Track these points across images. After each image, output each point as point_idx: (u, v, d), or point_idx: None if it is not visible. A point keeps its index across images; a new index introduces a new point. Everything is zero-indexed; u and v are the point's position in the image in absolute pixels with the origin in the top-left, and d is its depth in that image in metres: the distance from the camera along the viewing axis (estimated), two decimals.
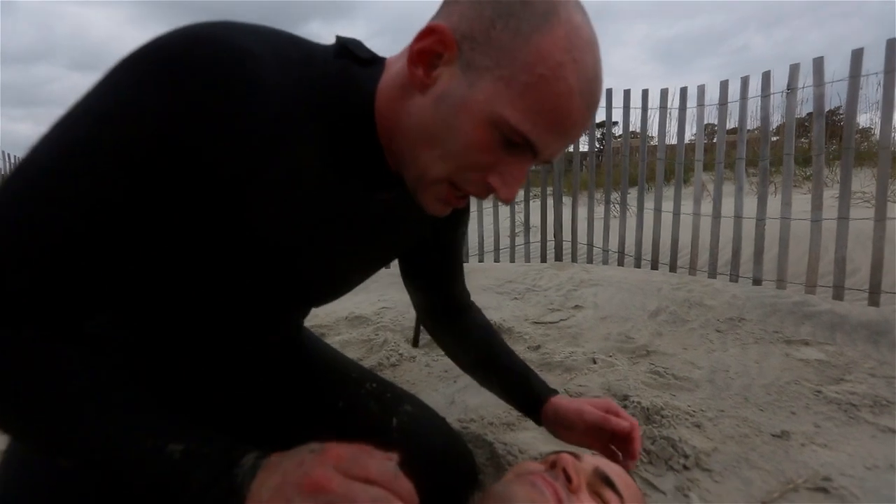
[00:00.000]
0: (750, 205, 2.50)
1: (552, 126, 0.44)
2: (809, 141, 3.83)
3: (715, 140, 2.73)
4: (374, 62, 0.50)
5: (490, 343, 0.83)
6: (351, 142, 0.50)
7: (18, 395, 0.40)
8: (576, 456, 0.61)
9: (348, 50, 0.49)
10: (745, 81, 2.53)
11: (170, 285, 0.51)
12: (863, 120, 6.41)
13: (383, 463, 0.39)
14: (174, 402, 0.52)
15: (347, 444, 0.41)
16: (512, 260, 3.41)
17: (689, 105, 2.77)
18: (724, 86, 2.61)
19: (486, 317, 0.88)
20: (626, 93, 2.95)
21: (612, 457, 0.69)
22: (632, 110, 2.94)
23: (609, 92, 3.01)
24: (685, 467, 0.96)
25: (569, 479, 0.54)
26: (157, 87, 0.40)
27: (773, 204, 2.43)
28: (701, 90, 2.72)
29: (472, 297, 0.89)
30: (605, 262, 3.15)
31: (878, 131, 2.14)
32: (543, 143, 0.45)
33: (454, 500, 0.79)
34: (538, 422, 0.78)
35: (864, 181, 4.30)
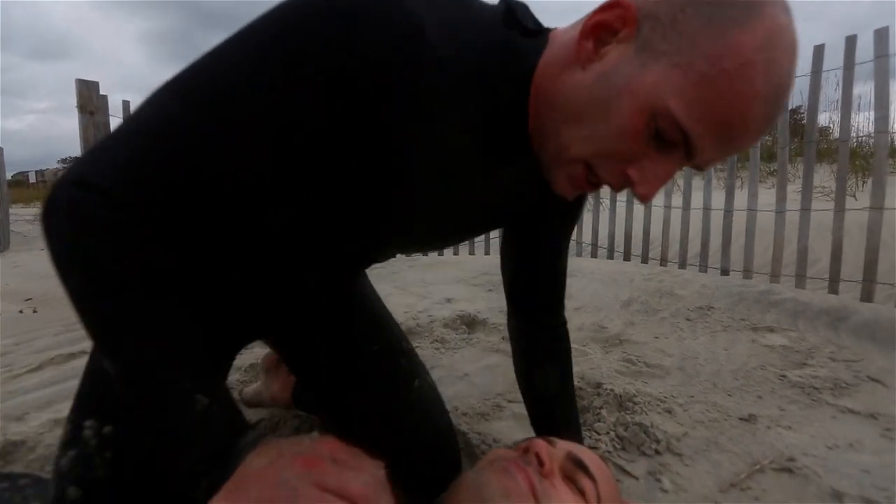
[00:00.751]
0: (718, 199, 2.56)
1: (719, 128, 0.41)
2: (773, 137, 3.94)
3: None
4: (539, 33, 0.48)
5: (561, 388, 0.79)
6: (502, 115, 0.49)
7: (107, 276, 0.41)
8: (549, 441, 0.60)
9: (516, 19, 0.48)
10: None
11: (295, 208, 0.53)
12: (822, 119, 6.64)
13: (375, 464, 0.40)
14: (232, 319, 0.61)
15: (344, 443, 0.42)
16: (487, 252, 3.41)
17: None
18: None
19: (571, 355, 0.82)
20: None
21: None
22: None
23: None
24: (657, 452, 0.97)
25: (541, 464, 0.54)
26: (340, 44, 0.40)
27: (740, 197, 2.49)
28: None
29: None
30: (579, 254, 3.18)
31: (836, 128, 2.22)
32: (702, 146, 0.41)
33: (439, 483, 0.79)
34: None
35: (823, 177, 4.47)
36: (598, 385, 1.20)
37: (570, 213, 0.74)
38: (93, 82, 2.61)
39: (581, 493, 0.55)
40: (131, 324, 0.41)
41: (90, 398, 0.63)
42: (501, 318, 1.79)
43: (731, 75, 0.39)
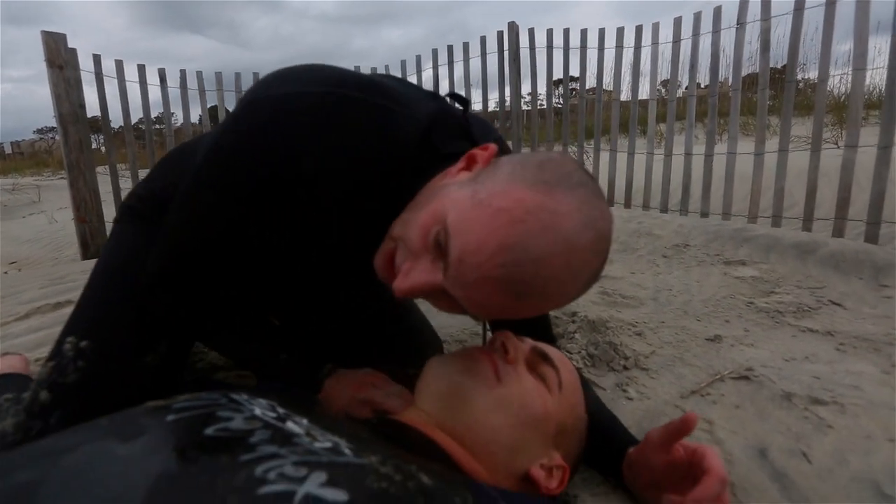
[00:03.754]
0: (700, 148, 2.58)
1: (463, 249, 0.44)
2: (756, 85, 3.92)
3: (667, 95, 2.77)
4: (453, 157, 0.54)
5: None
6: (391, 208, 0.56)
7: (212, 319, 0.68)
8: (518, 337, 0.64)
9: (432, 143, 0.55)
10: (697, 17, 2.55)
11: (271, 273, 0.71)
12: (812, 74, 6.56)
13: (393, 386, 0.66)
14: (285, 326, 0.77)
15: (382, 374, 0.68)
16: None
17: (643, 44, 2.78)
18: (677, 22, 2.62)
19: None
20: (584, 32, 2.93)
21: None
22: (589, 50, 2.93)
23: (566, 32, 2.98)
24: (625, 367, 1.03)
25: (506, 352, 0.57)
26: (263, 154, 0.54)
27: (722, 144, 2.51)
28: (655, 28, 2.72)
29: None
30: None
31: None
32: (451, 259, 0.45)
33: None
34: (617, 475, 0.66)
35: (810, 128, 4.48)
36: (574, 314, 1.25)
37: None
38: (59, 34, 2.51)
39: (542, 379, 0.59)
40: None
41: (75, 318, 0.71)
42: None
43: (493, 211, 0.43)
